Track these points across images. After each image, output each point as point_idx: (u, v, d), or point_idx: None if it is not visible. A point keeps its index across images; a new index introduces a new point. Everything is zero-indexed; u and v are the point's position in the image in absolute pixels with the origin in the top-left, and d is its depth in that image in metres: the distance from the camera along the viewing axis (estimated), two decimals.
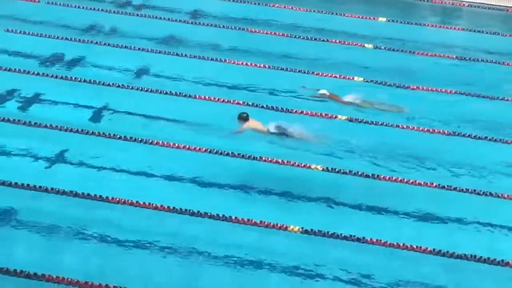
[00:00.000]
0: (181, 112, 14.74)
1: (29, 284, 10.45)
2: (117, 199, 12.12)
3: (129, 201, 12.09)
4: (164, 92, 15.46)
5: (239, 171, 13.26)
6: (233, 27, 18.52)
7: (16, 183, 12.35)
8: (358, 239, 11.51)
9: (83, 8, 18.87)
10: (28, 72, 15.71)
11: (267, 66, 16.79)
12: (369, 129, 14.70)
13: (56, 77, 15.69)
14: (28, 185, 12.34)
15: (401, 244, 11.44)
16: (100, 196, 12.20)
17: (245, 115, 14.18)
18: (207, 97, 15.36)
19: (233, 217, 11.83)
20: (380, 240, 11.49)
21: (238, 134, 14.05)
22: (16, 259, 10.88)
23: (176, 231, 11.55)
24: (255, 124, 14.22)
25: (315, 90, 15.54)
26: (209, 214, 11.84)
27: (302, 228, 11.66)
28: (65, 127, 13.94)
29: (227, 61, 16.89)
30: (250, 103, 15.16)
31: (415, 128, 14.78)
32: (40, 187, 12.32)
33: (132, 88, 15.55)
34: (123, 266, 10.91)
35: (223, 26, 18.52)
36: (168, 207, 11.95)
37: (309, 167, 13.32)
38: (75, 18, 18.30)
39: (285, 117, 14.58)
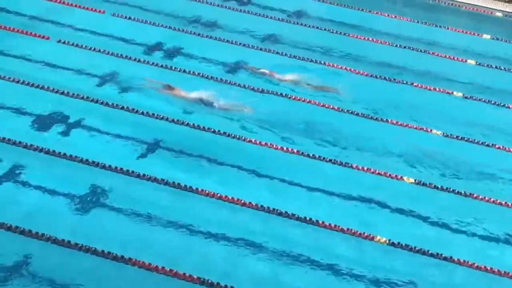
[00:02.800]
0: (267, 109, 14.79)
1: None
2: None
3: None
4: (256, 89, 15.49)
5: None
6: (334, 31, 18.39)
7: (110, 166, 12.58)
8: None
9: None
10: (130, 58, 15.91)
11: (366, 73, 16.66)
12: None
13: (157, 65, 15.88)
14: (121, 169, 12.55)
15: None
16: (190, 187, 12.36)
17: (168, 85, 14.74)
18: (298, 98, 15.30)
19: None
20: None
21: None
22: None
23: None
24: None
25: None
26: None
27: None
28: (160, 115, 14.14)
29: (326, 63, 16.79)
30: (345, 109, 15.17)
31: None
32: (132, 172, 12.51)
33: (227, 82, 15.59)
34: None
35: (325, 29, 18.40)
36: None
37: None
38: (180, 8, 18.43)
39: None
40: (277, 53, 16.98)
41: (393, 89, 16.27)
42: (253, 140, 13.79)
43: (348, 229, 11.95)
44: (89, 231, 11.32)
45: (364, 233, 11.92)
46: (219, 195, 12.25)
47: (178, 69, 15.80)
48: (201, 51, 16.61)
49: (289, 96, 15.35)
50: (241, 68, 16.15)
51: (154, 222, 11.64)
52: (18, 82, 14.54)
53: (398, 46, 18.04)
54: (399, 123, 14.96)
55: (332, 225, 11.96)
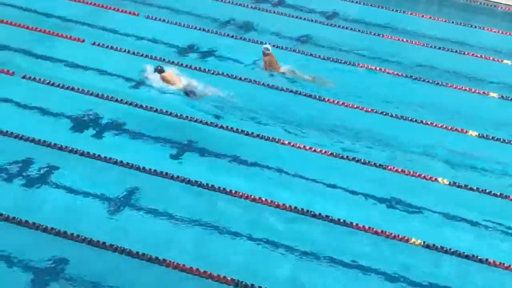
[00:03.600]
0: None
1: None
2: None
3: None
4: (289, 90, 15.46)
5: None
6: (367, 32, 18.31)
7: (143, 168, 12.64)
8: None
9: (221, 1, 19.07)
10: (163, 60, 15.98)
11: (399, 74, 16.57)
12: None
13: (190, 67, 15.92)
14: (154, 170, 12.62)
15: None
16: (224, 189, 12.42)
17: (159, 68, 15.14)
18: (333, 101, 15.27)
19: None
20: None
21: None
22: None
23: None
24: (171, 76, 15.14)
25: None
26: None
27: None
28: (193, 118, 14.20)
29: (360, 65, 16.74)
30: (379, 111, 15.12)
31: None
32: (166, 173, 12.58)
33: (261, 84, 15.60)
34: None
35: (359, 30, 18.33)
36: None
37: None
38: (213, 10, 18.47)
39: None
40: (308, 54, 16.96)
41: (426, 90, 16.16)
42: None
43: (382, 231, 11.88)
44: (122, 231, 11.36)
45: (398, 235, 11.85)
46: (247, 195, 12.29)
47: (212, 71, 15.82)
48: (234, 52, 16.63)
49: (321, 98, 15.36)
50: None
51: (186, 223, 11.67)
52: (53, 84, 14.66)
53: (433, 46, 17.92)
54: (434, 124, 14.85)
55: (366, 227, 11.94)
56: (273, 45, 16.87)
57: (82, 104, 14.22)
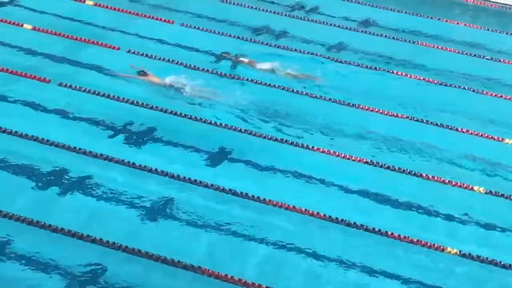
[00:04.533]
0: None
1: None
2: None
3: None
4: (327, 99, 15.44)
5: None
6: (402, 39, 18.24)
7: (178, 175, 12.70)
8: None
9: (256, 8, 19.11)
10: (197, 68, 16.03)
11: (435, 81, 16.48)
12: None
13: (224, 75, 15.96)
14: (189, 178, 12.65)
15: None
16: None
17: (142, 72, 15.35)
18: (363, 107, 15.24)
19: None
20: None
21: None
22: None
23: None
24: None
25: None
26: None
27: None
28: (227, 125, 14.23)
29: (396, 72, 16.68)
30: (415, 118, 15.05)
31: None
32: (200, 182, 12.60)
33: (296, 92, 15.59)
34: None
35: (393, 37, 18.26)
36: None
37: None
38: (248, 18, 18.51)
39: None
40: (346, 62, 16.93)
41: (462, 97, 16.06)
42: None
43: (418, 240, 11.82)
44: (157, 240, 11.41)
45: (434, 244, 11.78)
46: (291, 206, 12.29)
47: (246, 78, 15.85)
48: (268, 60, 16.65)
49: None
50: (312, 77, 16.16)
51: (220, 231, 11.70)
52: (89, 92, 14.77)
53: (468, 54, 17.80)
54: (470, 131, 14.75)
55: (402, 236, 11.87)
56: (307, 52, 16.89)
57: (118, 111, 14.31)
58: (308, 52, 17.02)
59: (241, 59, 16.40)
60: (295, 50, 17.12)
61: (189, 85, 15.22)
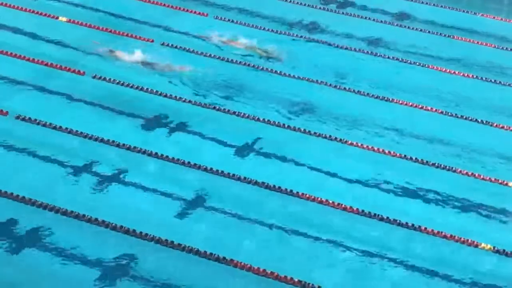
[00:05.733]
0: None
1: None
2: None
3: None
4: (364, 93, 15.37)
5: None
6: (438, 33, 18.08)
7: (217, 170, 12.71)
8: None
9: (290, 2, 19.07)
10: (231, 61, 16.03)
11: (470, 75, 16.34)
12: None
13: (253, 66, 15.93)
14: (228, 173, 12.66)
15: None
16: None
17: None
18: (401, 101, 15.14)
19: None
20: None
21: None
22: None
23: None
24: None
25: None
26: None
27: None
28: (261, 119, 14.23)
29: (430, 66, 16.54)
30: (450, 112, 14.93)
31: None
32: (234, 175, 12.61)
33: (334, 86, 15.52)
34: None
35: (429, 31, 18.11)
36: None
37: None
38: (280, 11, 18.46)
39: None
40: (374, 54, 16.85)
41: (497, 91, 15.90)
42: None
43: (451, 235, 11.74)
44: (192, 233, 11.44)
45: (468, 239, 11.69)
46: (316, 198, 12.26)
47: (279, 72, 15.82)
48: (303, 54, 16.60)
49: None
50: (348, 73, 16.07)
51: (254, 224, 11.71)
52: (122, 84, 14.83)
53: (504, 48, 17.61)
54: (505, 126, 14.60)
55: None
56: (341, 47, 16.81)
57: (151, 104, 14.35)
58: (343, 47, 16.95)
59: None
60: (328, 43, 17.05)
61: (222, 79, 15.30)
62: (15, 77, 14.72)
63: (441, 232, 11.77)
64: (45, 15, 17.08)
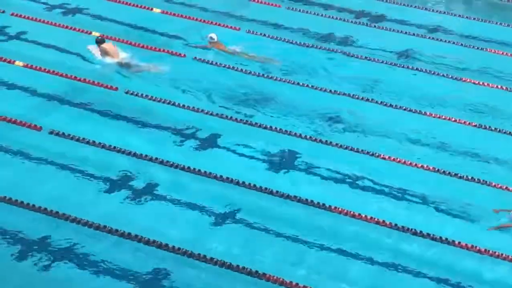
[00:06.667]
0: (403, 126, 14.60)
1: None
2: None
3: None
4: (397, 106, 15.29)
5: None
6: (472, 46, 17.94)
7: (243, 182, 12.70)
8: None
9: (322, 15, 19.05)
10: (263, 76, 16.06)
11: (504, 87, 16.19)
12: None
13: (284, 80, 15.93)
14: (254, 185, 12.65)
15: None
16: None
17: (99, 38, 16.11)
18: (434, 114, 15.02)
19: None
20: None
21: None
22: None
23: None
24: (110, 48, 16.10)
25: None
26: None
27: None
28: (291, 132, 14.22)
29: (463, 79, 16.43)
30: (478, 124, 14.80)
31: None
32: (265, 188, 12.59)
33: (365, 99, 15.47)
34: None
35: (462, 44, 17.98)
36: None
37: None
38: (315, 25, 18.46)
39: None
40: (413, 68, 16.77)
41: None
42: None
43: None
44: (223, 246, 11.42)
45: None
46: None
47: (306, 85, 15.79)
48: (335, 68, 16.58)
49: None
50: (379, 85, 16.00)
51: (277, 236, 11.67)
52: (154, 100, 14.89)
53: None
54: None
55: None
56: (371, 59, 16.76)
57: (184, 118, 14.38)
58: (373, 59, 16.90)
59: None
60: (361, 57, 17.00)
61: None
62: (49, 92, 14.85)
63: (475, 247, 11.66)
64: (78, 30, 17.21)
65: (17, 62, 15.76)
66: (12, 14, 17.78)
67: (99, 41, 16.12)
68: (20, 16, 17.71)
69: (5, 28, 17.20)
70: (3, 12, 17.87)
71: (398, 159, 13.56)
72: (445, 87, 16.12)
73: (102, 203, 12.09)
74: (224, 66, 16.25)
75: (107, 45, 16.12)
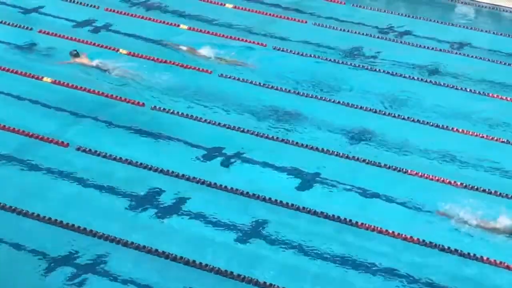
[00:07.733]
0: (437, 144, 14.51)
1: None
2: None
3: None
4: (420, 121, 15.24)
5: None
6: (499, 61, 17.86)
7: (269, 198, 12.69)
8: None
9: (347, 31, 19.06)
10: (289, 91, 16.08)
11: None
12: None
13: (311, 96, 15.95)
14: (280, 201, 12.63)
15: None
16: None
17: (74, 52, 16.24)
18: (460, 130, 14.99)
19: None
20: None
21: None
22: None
23: None
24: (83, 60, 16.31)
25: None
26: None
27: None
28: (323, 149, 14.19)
29: (490, 95, 16.36)
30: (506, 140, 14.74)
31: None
32: (292, 204, 12.57)
33: (392, 115, 15.43)
34: None
35: (489, 60, 17.90)
36: None
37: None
38: (339, 40, 18.48)
39: None
40: (440, 84, 16.70)
41: None
42: None
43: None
44: (246, 261, 11.40)
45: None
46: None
47: (332, 100, 15.78)
48: (360, 84, 16.57)
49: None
50: (406, 101, 15.94)
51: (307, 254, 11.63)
52: (182, 115, 14.96)
53: None
54: None
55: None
56: (395, 74, 16.75)
57: (213, 135, 14.44)
58: (397, 74, 16.87)
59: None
60: (387, 72, 16.97)
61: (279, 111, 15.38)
62: (75, 109, 14.95)
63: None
64: (106, 47, 17.34)
65: (45, 78, 15.91)
66: (40, 32, 17.96)
67: (74, 55, 16.32)
68: (48, 33, 17.85)
69: (34, 45, 17.39)
70: (31, 29, 18.04)
71: (426, 175, 13.48)
72: (472, 103, 16.03)
73: (128, 219, 12.14)
74: (250, 83, 16.30)
75: (82, 58, 16.31)
